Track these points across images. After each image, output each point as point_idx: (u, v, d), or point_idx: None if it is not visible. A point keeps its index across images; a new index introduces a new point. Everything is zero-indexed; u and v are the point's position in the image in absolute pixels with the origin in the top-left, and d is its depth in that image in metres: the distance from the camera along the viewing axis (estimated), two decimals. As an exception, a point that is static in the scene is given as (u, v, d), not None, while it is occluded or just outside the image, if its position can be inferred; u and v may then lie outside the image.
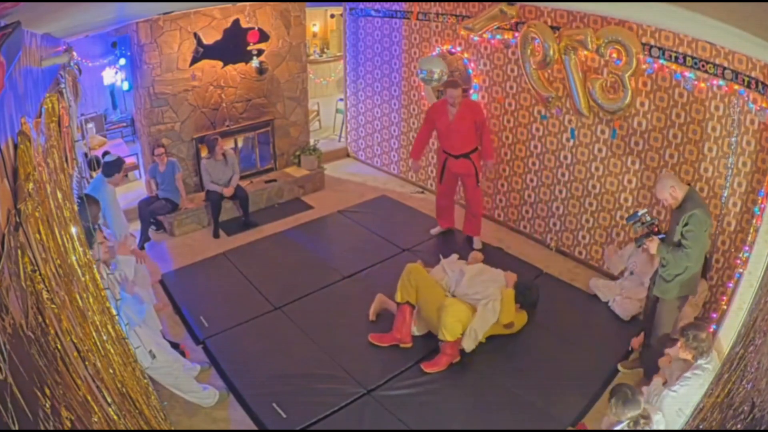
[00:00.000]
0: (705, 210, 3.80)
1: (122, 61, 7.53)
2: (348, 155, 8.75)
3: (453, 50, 6.60)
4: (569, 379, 4.26)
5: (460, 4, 6.26)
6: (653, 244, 3.88)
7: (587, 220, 5.78)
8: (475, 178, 5.89)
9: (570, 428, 3.85)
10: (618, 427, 3.06)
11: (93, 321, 2.46)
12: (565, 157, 5.78)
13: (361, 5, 7.53)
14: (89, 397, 2.00)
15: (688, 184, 3.88)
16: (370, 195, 7.45)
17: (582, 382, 4.25)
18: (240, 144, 7.33)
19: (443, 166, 5.97)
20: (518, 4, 5.55)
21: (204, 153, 6.73)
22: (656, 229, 3.93)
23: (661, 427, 3.21)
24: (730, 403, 2.53)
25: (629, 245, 5.19)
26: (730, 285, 3.99)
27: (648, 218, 3.93)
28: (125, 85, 7.69)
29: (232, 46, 6.70)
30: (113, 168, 4.74)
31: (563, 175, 5.86)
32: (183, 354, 4.36)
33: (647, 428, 3.05)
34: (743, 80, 4.13)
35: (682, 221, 3.75)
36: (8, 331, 1.36)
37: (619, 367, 4.42)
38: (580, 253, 5.93)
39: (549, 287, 5.43)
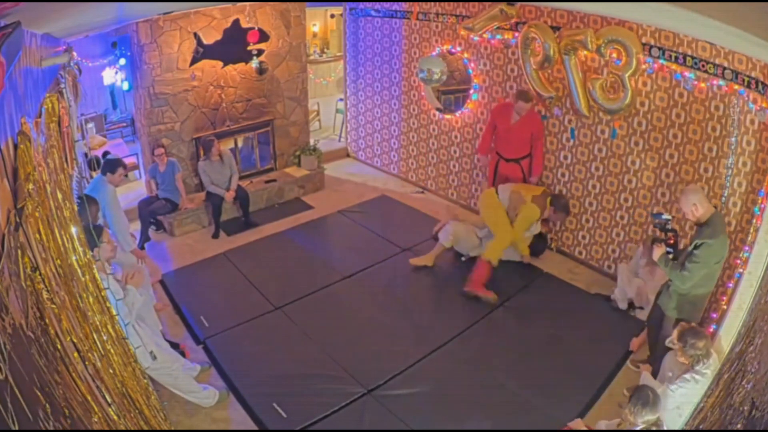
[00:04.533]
0: (722, 239, 3.62)
1: (122, 61, 7.53)
2: (348, 155, 8.75)
3: (453, 50, 6.60)
4: (569, 379, 4.26)
5: (460, 4, 6.26)
6: (658, 251, 3.84)
7: (587, 220, 5.78)
8: (523, 182, 5.92)
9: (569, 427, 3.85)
10: (637, 429, 3.03)
11: (93, 321, 2.46)
12: (565, 157, 5.78)
13: (361, 5, 7.53)
14: (89, 397, 2.00)
15: (715, 207, 3.73)
16: (370, 195, 7.45)
17: (582, 382, 4.25)
18: (240, 144, 7.33)
19: (495, 170, 5.99)
20: (518, 4, 5.55)
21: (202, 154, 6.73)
22: (672, 240, 3.84)
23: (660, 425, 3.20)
24: (730, 403, 2.53)
25: (638, 248, 5.14)
26: (730, 285, 3.99)
27: (670, 227, 3.85)
28: (125, 85, 7.69)
29: (232, 46, 6.70)
30: (106, 166, 4.75)
31: (563, 175, 5.86)
32: (183, 354, 4.36)
33: None
34: (743, 80, 4.13)
35: (695, 243, 3.63)
36: (8, 331, 1.36)
37: (630, 365, 4.41)
38: (580, 253, 5.93)
39: (549, 287, 5.44)
